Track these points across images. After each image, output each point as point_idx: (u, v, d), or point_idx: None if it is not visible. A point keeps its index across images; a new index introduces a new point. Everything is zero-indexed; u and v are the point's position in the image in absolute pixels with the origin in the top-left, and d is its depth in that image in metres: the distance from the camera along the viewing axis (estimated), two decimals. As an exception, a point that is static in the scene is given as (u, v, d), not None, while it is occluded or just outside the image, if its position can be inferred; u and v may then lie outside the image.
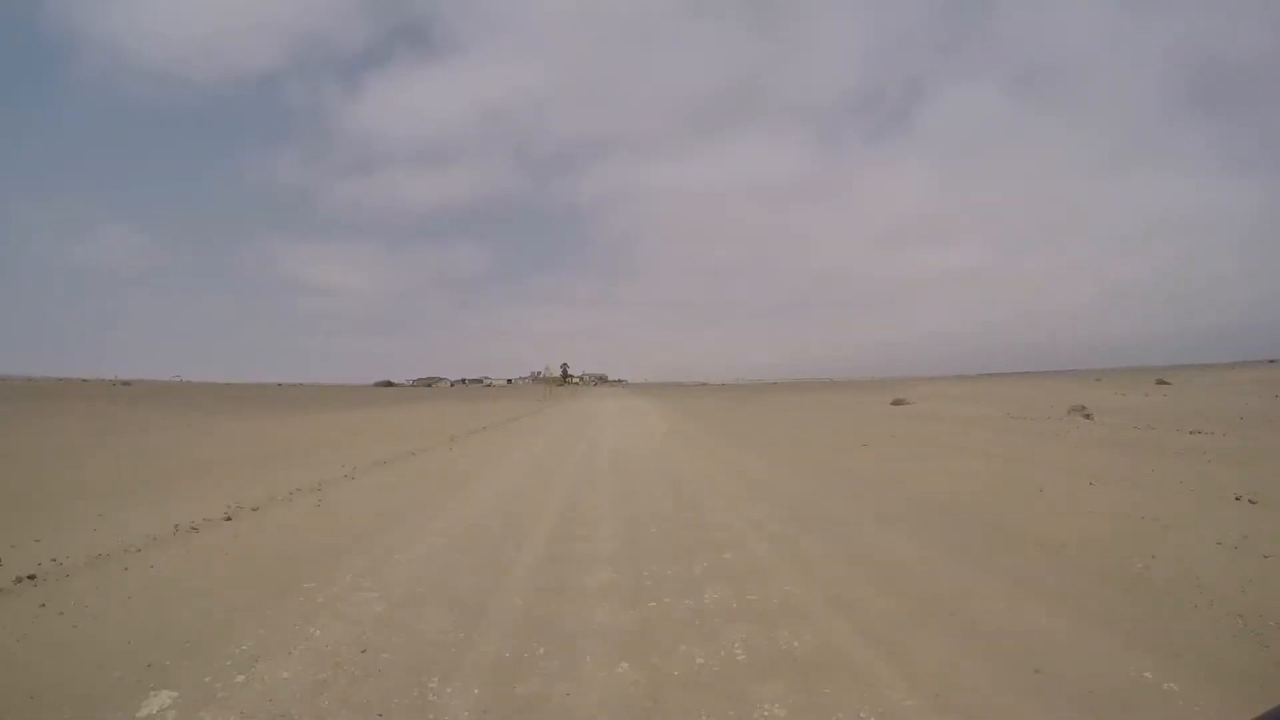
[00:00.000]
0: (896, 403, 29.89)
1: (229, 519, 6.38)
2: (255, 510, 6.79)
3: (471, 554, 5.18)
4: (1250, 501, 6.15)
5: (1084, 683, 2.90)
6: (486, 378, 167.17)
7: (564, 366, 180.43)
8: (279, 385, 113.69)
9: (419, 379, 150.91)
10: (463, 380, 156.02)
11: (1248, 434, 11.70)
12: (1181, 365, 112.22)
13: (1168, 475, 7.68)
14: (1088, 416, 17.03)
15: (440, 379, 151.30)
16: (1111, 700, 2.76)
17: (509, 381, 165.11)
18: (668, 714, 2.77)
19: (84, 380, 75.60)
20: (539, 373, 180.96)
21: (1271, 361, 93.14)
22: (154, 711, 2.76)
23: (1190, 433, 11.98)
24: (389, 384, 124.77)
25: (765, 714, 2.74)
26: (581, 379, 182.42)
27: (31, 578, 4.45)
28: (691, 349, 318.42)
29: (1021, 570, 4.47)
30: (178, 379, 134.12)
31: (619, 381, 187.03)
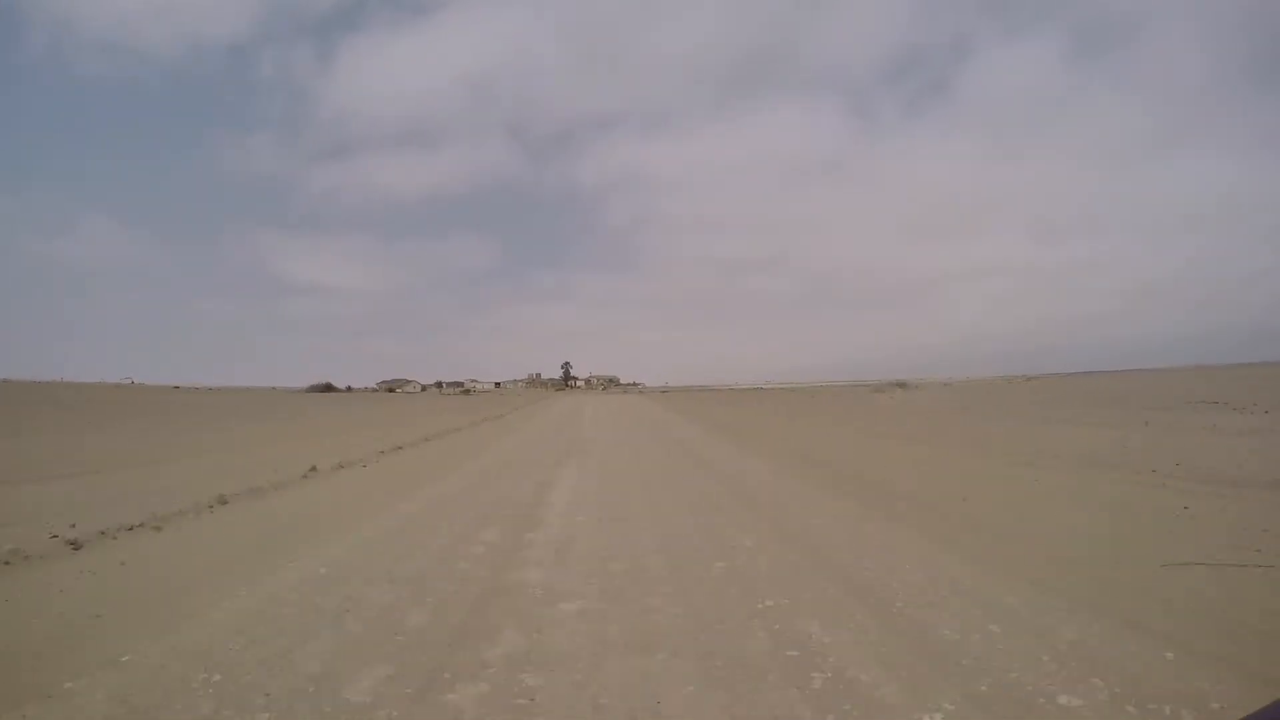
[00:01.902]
0: None
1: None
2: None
3: None
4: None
5: None
6: (473, 380, 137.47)
7: (565, 366, 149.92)
8: (175, 388, 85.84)
9: (383, 381, 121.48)
10: (438, 384, 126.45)
11: None
12: None
13: None
14: None
15: (409, 381, 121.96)
16: None
17: (497, 385, 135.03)
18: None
19: None
20: (536, 373, 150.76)
21: None
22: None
23: None
24: (329, 388, 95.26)
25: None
26: (589, 382, 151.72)
27: None
28: (711, 349, 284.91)
29: None
30: (129, 380, 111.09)
31: (633, 385, 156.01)
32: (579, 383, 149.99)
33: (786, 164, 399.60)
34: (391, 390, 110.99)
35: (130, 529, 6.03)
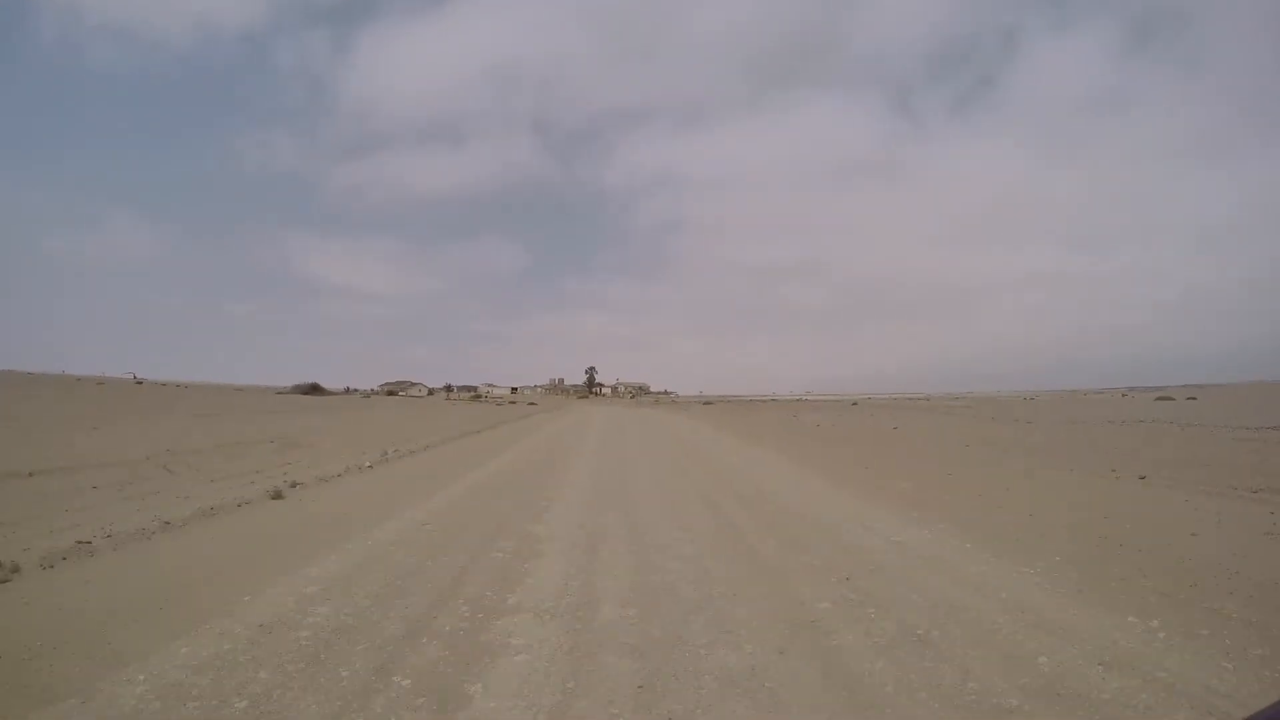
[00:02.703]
0: None
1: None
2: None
3: None
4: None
5: None
6: (489, 385, 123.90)
7: (590, 371, 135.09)
8: (138, 383, 74.30)
9: (386, 383, 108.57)
10: (448, 387, 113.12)
11: None
12: None
13: None
14: None
15: (414, 384, 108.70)
16: None
17: (514, 390, 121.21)
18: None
19: None
20: (558, 378, 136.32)
21: None
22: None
23: None
24: (316, 389, 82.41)
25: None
26: (615, 390, 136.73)
27: None
28: (743, 358, 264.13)
29: None
30: (130, 375, 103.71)
31: (665, 394, 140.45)
32: (604, 390, 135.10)
33: (825, 164, 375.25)
34: (392, 393, 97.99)
35: None
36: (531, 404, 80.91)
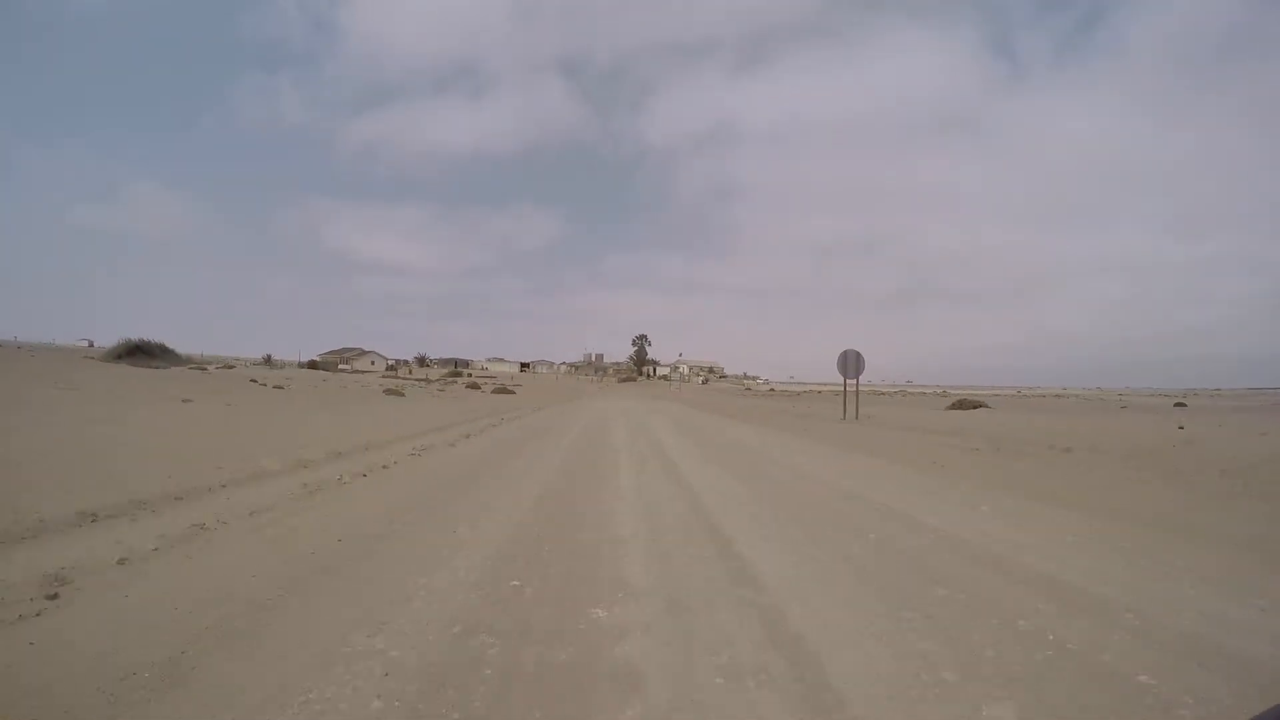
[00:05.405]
0: None
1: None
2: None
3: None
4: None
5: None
6: (493, 360, 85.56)
7: (640, 342, 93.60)
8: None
9: (323, 353, 71.42)
10: (420, 359, 75.20)
11: None
12: None
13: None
14: None
15: (363, 353, 71.20)
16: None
17: (524, 367, 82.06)
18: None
19: None
20: (595, 354, 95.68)
21: None
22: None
23: None
24: (139, 350, 45.37)
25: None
26: (677, 371, 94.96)
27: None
28: (810, 344, 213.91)
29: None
30: (86, 342, 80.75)
31: (748, 378, 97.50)
32: (665, 372, 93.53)
33: (907, 117, 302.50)
34: (314, 366, 60.52)
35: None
36: (507, 390, 40.90)
